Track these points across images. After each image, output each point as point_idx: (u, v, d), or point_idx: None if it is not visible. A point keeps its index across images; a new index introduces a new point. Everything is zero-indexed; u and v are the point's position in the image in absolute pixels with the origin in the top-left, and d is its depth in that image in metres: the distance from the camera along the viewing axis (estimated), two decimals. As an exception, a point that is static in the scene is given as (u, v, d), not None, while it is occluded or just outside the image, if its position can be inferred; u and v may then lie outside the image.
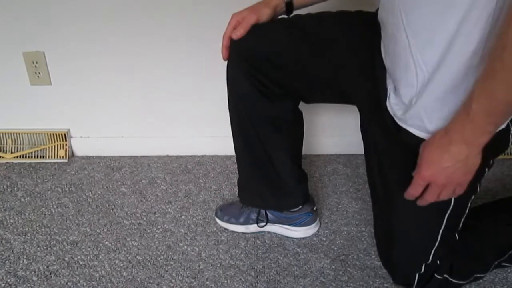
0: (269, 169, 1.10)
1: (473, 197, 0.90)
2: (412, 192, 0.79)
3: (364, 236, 1.21)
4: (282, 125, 1.05)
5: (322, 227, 1.24)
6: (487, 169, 0.86)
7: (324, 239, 1.20)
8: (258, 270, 1.11)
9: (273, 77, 0.98)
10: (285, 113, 1.05)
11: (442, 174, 0.73)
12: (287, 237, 1.20)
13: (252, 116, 1.02)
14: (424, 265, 0.95)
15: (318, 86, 0.99)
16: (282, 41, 0.95)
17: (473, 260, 0.99)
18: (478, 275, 1.01)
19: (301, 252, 1.16)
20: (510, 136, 0.80)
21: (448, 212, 0.87)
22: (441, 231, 0.90)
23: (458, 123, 0.70)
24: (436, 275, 0.96)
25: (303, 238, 1.20)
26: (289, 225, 1.19)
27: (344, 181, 1.44)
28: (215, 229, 1.23)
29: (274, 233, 1.21)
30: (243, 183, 1.18)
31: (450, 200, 0.85)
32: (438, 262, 0.95)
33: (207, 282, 1.07)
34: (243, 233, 1.21)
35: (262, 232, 1.21)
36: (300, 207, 1.17)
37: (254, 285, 1.07)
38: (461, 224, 0.94)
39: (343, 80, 0.93)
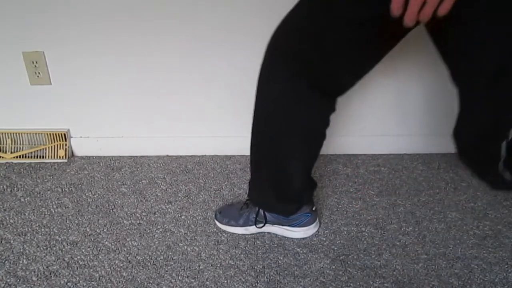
0: (281, 176, 1.08)
1: None
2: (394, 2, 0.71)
3: (364, 236, 1.21)
4: (310, 135, 1.01)
5: (322, 227, 1.24)
6: None
7: (324, 239, 1.20)
8: (258, 270, 1.11)
9: (321, 69, 0.89)
10: (317, 123, 1.00)
11: None
12: (287, 237, 1.20)
13: (281, 122, 0.97)
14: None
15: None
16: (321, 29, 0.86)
17: None
18: None
19: (301, 252, 1.16)
20: None
21: None
22: None
23: None
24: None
25: (303, 238, 1.20)
26: (288, 225, 1.19)
27: (344, 181, 1.44)
28: (215, 229, 1.23)
29: (274, 233, 1.21)
30: (252, 183, 1.17)
31: None
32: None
33: (207, 282, 1.07)
34: (243, 234, 1.21)
35: (262, 232, 1.21)
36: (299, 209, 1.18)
37: (254, 285, 1.07)
38: None
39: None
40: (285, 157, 1.04)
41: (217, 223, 1.23)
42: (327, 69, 0.90)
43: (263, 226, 1.19)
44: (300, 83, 0.91)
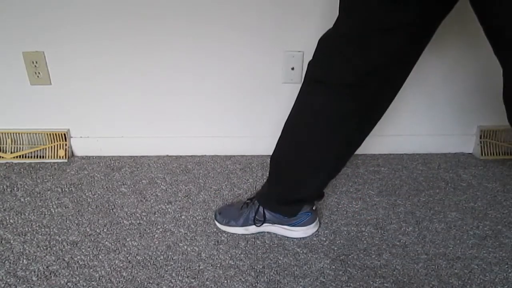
0: (298, 183, 1.10)
1: None
2: None
3: (364, 236, 1.21)
4: (344, 150, 1.02)
5: (322, 227, 1.24)
6: None
7: (324, 239, 1.20)
8: (258, 270, 1.11)
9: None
10: (354, 138, 1.01)
11: None
12: (287, 237, 1.20)
13: (335, 129, 0.98)
14: None
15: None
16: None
17: None
18: None
19: (301, 252, 1.16)
20: None
21: None
22: None
23: None
24: None
25: (303, 238, 1.20)
26: (288, 225, 1.19)
27: (344, 181, 1.44)
28: (215, 229, 1.23)
29: (274, 233, 1.21)
30: (274, 185, 1.16)
31: None
32: None
33: (207, 282, 1.07)
34: (243, 234, 1.21)
35: (262, 232, 1.21)
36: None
37: (254, 285, 1.07)
38: None
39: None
40: (317, 167, 1.05)
41: (217, 224, 1.23)
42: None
43: (262, 225, 1.19)
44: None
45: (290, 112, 1.04)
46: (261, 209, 1.18)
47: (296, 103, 1.03)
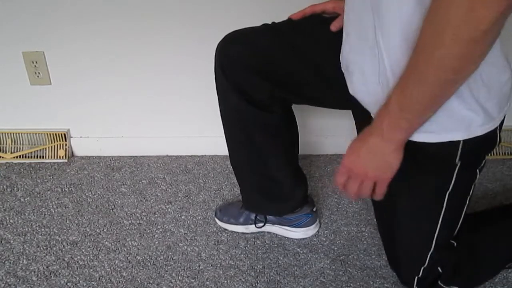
0: (266, 176, 1.10)
1: (467, 202, 0.89)
2: (336, 179, 0.81)
3: (364, 236, 1.21)
4: (276, 130, 1.04)
5: (322, 227, 1.24)
6: (478, 172, 0.85)
7: (324, 239, 1.20)
8: (258, 270, 1.11)
9: (259, 84, 0.97)
10: (278, 119, 1.04)
11: (359, 164, 0.75)
12: (287, 237, 1.20)
13: (244, 126, 1.02)
14: (422, 269, 0.94)
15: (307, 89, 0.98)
16: (264, 47, 0.95)
17: (481, 265, 0.97)
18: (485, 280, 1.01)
19: (301, 252, 1.16)
20: (498, 134, 0.79)
21: (441, 216, 0.87)
22: (435, 235, 0.89)
23: (380, 116, 0.71)
24: (441, 284, 0.95)
25: (303, 238, 1.20)
26: (288, 226, 1.19)
27: (344, 181, 1.44)
28: (215, 229, 1.23)
29: (274, 233, 1.21)
30: (242, 189, 1.18)
31: (442, 204, 0.85)
32: (440, 269, 0.94)
33: (207, 282, 1.07)
34: (243, 233, 1.21)
35: (262, 232, 1.21)
36: (299, 209, 1.17)
37: (254, 285, 1.07)
38: (456, 230, 0.93)
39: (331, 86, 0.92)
40: (263, 156, 1.06)
41: (217, 221, 1.23)
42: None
43: (263, 226, 1.19)
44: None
45: None
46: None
47: None
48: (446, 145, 0.75)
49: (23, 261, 1.13)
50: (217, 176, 1.46)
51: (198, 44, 1.38)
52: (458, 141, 0.75)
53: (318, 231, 1.22)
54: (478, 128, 0.74)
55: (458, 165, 0.79)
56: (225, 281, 1.07)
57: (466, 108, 0.71)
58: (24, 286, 1.06)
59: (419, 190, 0.85)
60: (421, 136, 0.75)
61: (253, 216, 1.18)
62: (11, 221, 1.26)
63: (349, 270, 1.11)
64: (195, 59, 1.41)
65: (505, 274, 1.08)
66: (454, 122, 0.73)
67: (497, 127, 0.77)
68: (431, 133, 0.74)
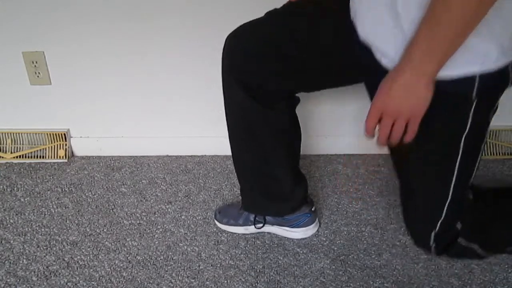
0: (266, 174, 1.10)
1: (483, 147, 0.88)
2: (367, 123, 0.79)
3: (364, 236, 1.21)
4: (279, 130, 1.05)
5: (322, 227, 1.24)
6: (492, 112, 0.84)
7: (324, 239, 1.20)
8: (258, 270, 1.11)
9: (265, 77, 0.97)
10: (281, 117, 1.04)
11: (392, 103, 0.74)
12: (287, 237, 1.20)
13: (248, 122, 1.02)
14: (439, 223, 0.91)
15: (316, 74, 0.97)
16: (268, 38, 0.95)
17: (502, 223, 0.94)
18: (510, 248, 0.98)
19: (301, 252, 1.16)
20: (510, 71, 0.78)
21: (458, 162, 0.85)
22: (452, 183, 0.88)
23: (409, 51, 0.71)
24: (460, 242, 0.93)
25: (303, 238, 1.20)
26: (288, 226, 1.19)
27: (344, 181, 1.44)
28: (215, 229, 1.23)
29: (274, 233, 1.21)
30: (242, 189, 1.18)
31: (458, 149, 0.84)
32: (458, 225, 0.92)
33: (207, 282, 1.07)
34: (243, 234, 1.21)
35: (262, 232, 1.21)
36: (298, 210, 1.17)
37: (254, 285, 1.07)
38: (471, 179, 0.91)
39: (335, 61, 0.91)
40: (265, 156, 1.06)
41: (216, 223, 1.23)
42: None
43: (262, 226, 1.19)
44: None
45: None
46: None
47: None
48: (463, 81, 0.75)
49: (23, 261, 1.13)
50: (217, 176, 1.46)
51: (198, 44, 1.38)
52: (474, 77, 0.74)
53: (318, 231, 1.22)
54: (492, 63, 0.74)
55: (474, 103, 0.78)
56: (225, 281, 1.08)
57: (481, 41, 0.71)
58: (24, 286, 1.06)
59: (436, 134, 0.84)
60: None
61: (252, 217, 1.18)
62: (11, 221, 1.26)
63: (349, 270, 1.11)
64: (195, 59, 1.41)
65: (505, 274, 1.08)
66: (469, 56, 0.72)
67: (509, 63, 0.76)
68: (447, 68, 0.73)
